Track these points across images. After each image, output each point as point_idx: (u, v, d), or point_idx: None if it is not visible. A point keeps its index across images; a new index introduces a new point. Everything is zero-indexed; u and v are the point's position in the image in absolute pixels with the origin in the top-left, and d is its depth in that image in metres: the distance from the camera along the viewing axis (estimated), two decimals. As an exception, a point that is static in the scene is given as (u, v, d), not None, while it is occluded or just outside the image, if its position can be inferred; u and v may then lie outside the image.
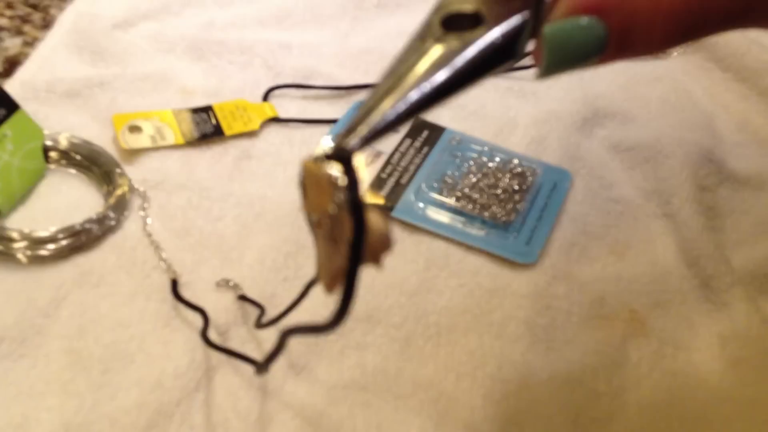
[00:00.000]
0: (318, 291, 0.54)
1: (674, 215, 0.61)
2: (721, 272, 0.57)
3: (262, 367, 0.46)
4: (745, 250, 0.59)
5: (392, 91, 0.30)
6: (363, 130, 0.29)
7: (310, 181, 0.32)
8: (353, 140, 0.29)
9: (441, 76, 0.30)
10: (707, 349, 0.53)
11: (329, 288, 0.34)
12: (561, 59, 0.32)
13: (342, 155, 0.29)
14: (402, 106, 0.30)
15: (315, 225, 0.33)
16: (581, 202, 0.63)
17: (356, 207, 0.29)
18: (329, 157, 0.30)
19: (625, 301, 0.56)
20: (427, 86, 0.30)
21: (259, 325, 0.50)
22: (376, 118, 0.30)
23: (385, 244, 0.31)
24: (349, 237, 0.29)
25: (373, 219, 0.30)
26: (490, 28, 0.31)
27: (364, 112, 0.30)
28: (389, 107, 0.30)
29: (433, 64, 0.31)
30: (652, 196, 0.63)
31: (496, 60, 0.32)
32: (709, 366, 0.52)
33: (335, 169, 0.29)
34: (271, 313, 0.52)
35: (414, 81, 0.30)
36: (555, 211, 0.61)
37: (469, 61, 0.31)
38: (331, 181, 0.29)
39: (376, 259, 0.31)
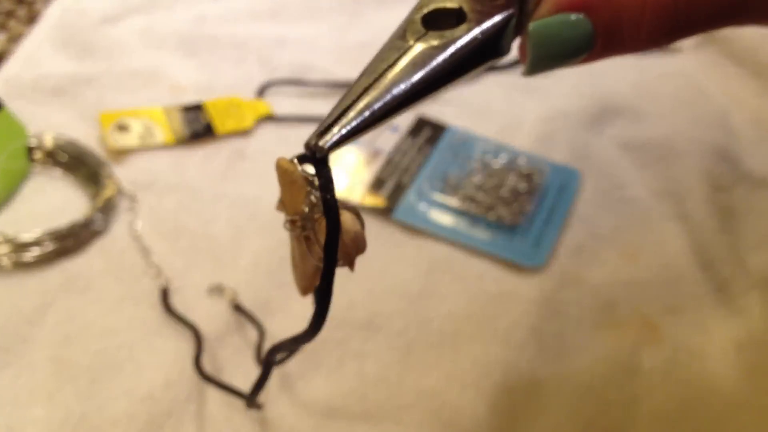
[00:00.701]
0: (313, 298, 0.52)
1: (687, 216, 0.60)
2: (737, 276, 0.55)
3: (251, 399, 0.44)
4: (761, 252, 0.58)
5: (369, 90, 0.29)
6: (338, 130, 0.29)
7: (285, 180, 0.31)
8: (327, 140, 0.28)
9: (419, 75, 0.30)
10: (722, 355, 0.52)
11: (304, 292, 0.35)
12: (547, 56, 0.32)
13: (315, 155, 0.29)
14: (379, 106, 0.29)
15: (289, 225, 0.32)
16: (590, 202, 0.61)
17: (330, 207, 0.29)
18: (303, 156, 0.30)
19: (636, 307, 0.54)
20: (405, 86, 0.29)
21: (260, 358, 0.48)
22: (352, 117, 0.29)
23: (358, 245, 0.31)
24: (323, 238, 0.29)
25: (347, 219, 0.30)
26: (472, 26, 0.31)
27: (339, 110, 0.29)
28: (365, 107, 0.29)
29: (413, 63, 0.30)
30: (664, 196, 0.62)
31: (479, 58, 0.32)
32: (724, 373, 0.51)
33: (309, 169, 0.29)
34: (268, 326, 0.51)
35: (392, 80, 0.29)
36: (563, 212, 0.60)
37: (450, 60, 0.30)
38: (306, 181, 0.30)
39: (350, 261, 0.31)
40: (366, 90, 0.29)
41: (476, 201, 0.59)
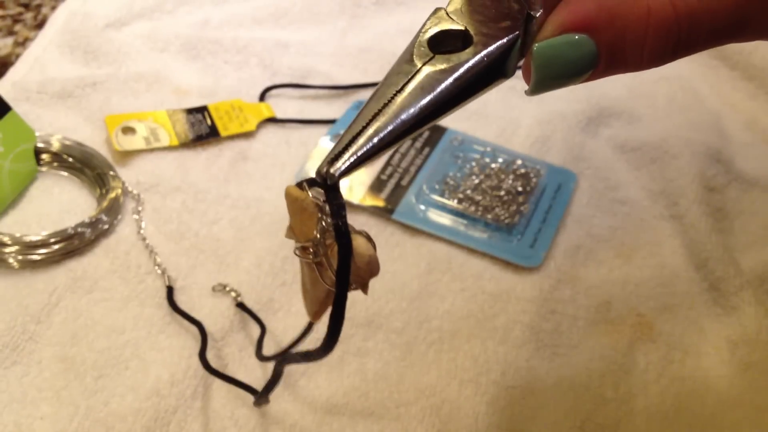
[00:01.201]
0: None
1: (682, 217, 0.60)
2: (730, 275, 0.56)
3: (261, 397, 0.45)
4: (754, 252, 0.58)
5: (378, 115, 0.29)
6: (348, 156, 0.29)
7: (294, 207, 0.32)
8: (338, 167, 0.29)
9: (427, 99, 0.30)
10: (716, 353, 0.52)
11: (315, 317, 0.35)
12: (551, 76, 0.32)
13: (326, 182, 0.29)
14: (388, 132, 0.29)
15: (300, 252, 0.32)
16: (586, 203, 0.62)
17: (342, 234, 0.29)
18: (314, 183, 0.30)
19: (632, 305, 0.55)
20: (413, 110, 0.29)
21: (261, 357, 0.49)
22: (362, 144, 0.29)
23: (372, 269, 0.31)
24: (335, 263, 0.29)
25: (361, 244, 0.30)
26: (478, 48, 0.31)
27: (349, 137, 0.29)
28: (374, 133, 0.29)
29: (420, 87, 0.30)
30: (659, 197, 0.63)
31: (485, 80, 0.32)
32: (719, 371, 0.51)
33: (319, 196, 0.30)
34: (270, 324, 0.51)
35: (400, 105, 0.30)
36: (560, 213, 0.60)
37: (457, 83, 0.30)
38: (316, 208, 0.30)
39: (363, 285, 0.31)
40: (375, 116, 0.29)
41: (474, 202, 0.60)
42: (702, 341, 0.53)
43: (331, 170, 0.28)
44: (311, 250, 0.31)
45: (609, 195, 0.63)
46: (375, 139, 0.29)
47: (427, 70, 0.31)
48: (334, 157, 0.29)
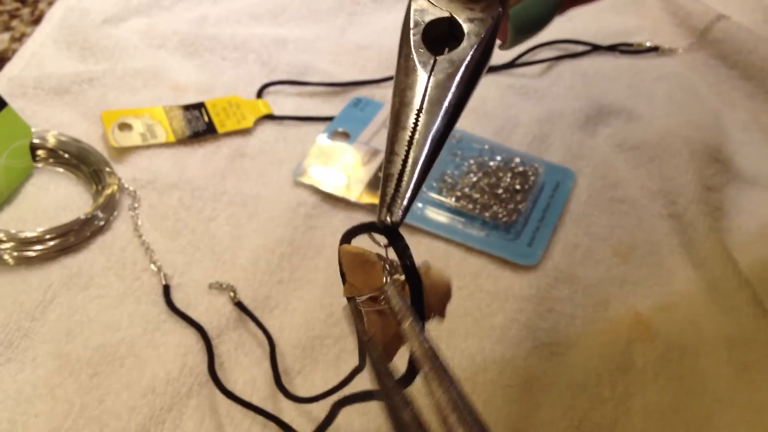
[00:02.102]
0: (312, 295, 0.53)
1: (680, 216, 0.60)
2: (729, 274, 0.55)
3: None
4: (753, 251, 0.58)
5: (412, 146, 0.31)
6: (402, 201, 0.30)
7: (355, 263, 0.32)
8: (398, 213, 0.30)
9: (448, 112, 0.31)
10: (714, 353, 0.52)
11: (391, 357, 0.35)
12: (525, 31, 0.36)
13: (391, 231, 0.30)
14: (427, 161, 0.30)
15: (367, 303, 0.33)
16: (585, 202, 0.62)
17: (413, 272, 0.30)
18: (369, 230, 0.31)
19: (629, 304, 0.55)
20: (440, 128, 0.31)
21: (286, 392, 0.48)
22: (409, 183, 0.30)
23: (448, 295, 0.32)
24: (409, 299, 0.30)
25: (436, 277, 0.31)
26: (472, 41, 0.33)
27: (393, 177, 0.30)
28: (416, 166, 0.30)
29: (438, 101, 0.31)
30: (657, 196, 0.62)
31: (485, 64, 0.34)
32: (716, 370, 0.51)
33: (379, 245, 0.31)
34: (267, 322, 0.51)
35: (427, 128, 0.31)
36: (558, 211, 0.60)
37: (466, 82, 0.32)
38: (378, 257, 0.31)
39: (442, 311, 0.32)
40: (409, 147, 0.30)
41: (472, 200, 0.60)
42: (700, 340, 0.53)
43: (394, 219, 0.30)
44: (382, 298, 0.32)
45: (607, 193, 0.62)
46: (417, 172, 0.30)
47: (437, 78, 0.32)
48: (388, 205, 0.30)
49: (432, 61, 0.32)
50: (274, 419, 0.46)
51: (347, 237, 0.33)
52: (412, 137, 0.31)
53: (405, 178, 0.30)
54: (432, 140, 0.31)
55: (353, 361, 0.50)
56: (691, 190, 0.61)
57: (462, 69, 0.32)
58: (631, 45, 0.78)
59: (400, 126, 0.31)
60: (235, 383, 0.48)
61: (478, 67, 0.33)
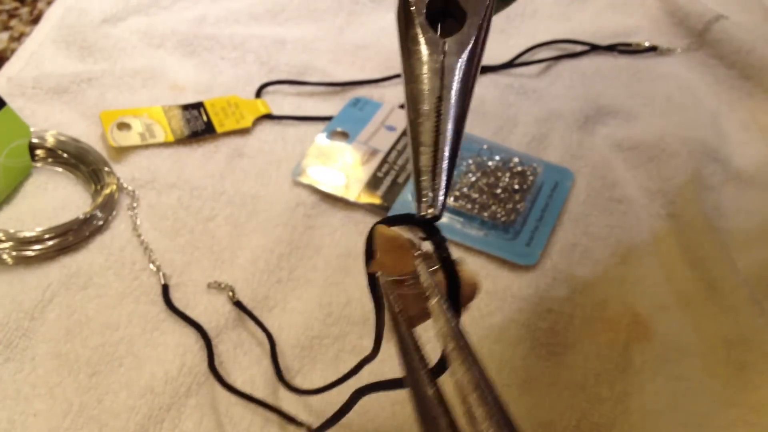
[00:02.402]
0: (311, 294, 0.53)
1: (678, 215, 0.60)
2: (727, 274, 0.55)
3: (322, 428, 0.43)
4: (751, 251, 0.58)
5: (439, 136, 0.30)
6: (441, 193, 0.30)
7: (389, 245, 0.33)
8: (437, 206, 0.30)
9: (466, 95, 0.31)
10: (712, 353, 0.52)
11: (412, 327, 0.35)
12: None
13: (428, 223, 0.30)
14: (454, 148, 0.30)
15: (390, 284, 0.33)
16: (583, 202, 0.62)
17: (449, 264, 0.30)
18: (405, 222, 0.31)
19: (628, 304, 0.55)
20: (461, 113, 0.31)
21: (287, 384, 0.48)
22: (444, 175, 0.30)
23: (473, 296, 0.32)
24: (444, 292, 0.30)
25: (466, 274, 0.31)
26: (474, 20, 0.33)
27: (425, 174, 0.30)
28: (446, 156, 0.30)
29: (460, 86, 0.31)
30: (655, 195, 0.62)
31: (485, 45, 0.34)
32: (714, 370, 0.51)
33: (415, 234, 0.31)
34: (266, 321, 0.51)
35: (452, 116, 0.31)
36: (556, 211, 0.60)
37: (477, 60, 0.32)
38: (411, 244, 0.31)
39: (466, 305, 0.32)
40: (437, 137, 0.30)
41: (471, 200, 0.60)
42: (698, 340, 0.53)
43: (435, 212, 0.30)
44: (409, 282, 0.32)
45: (606, 193, 0.62)
46: (449, 163, 0.30)
47: (449, 62, 0.31)
48: (429, 198, 0.30)
49: (442, 44, 0.32)
50: (277, 411, 0.46)
51: (388, 222, 0.33)
52: (437, 126, 0.30)
53: (437, 170, 0.30)
54: (456, 128, 0.30)
55: (352, 361, 0.50)
56: (690, 189, 0.61)
57: (472, 51, 0.32)
58: (629, 45, 0.78)
59: (423, 115, 0.31)
60: (234, 382, 0.48)
61: (483, 47, 0.33)
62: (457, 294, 0.30)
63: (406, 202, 0.59)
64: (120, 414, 0.46)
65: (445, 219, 0.58)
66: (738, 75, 0.75)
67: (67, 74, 0.66)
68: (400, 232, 0.32)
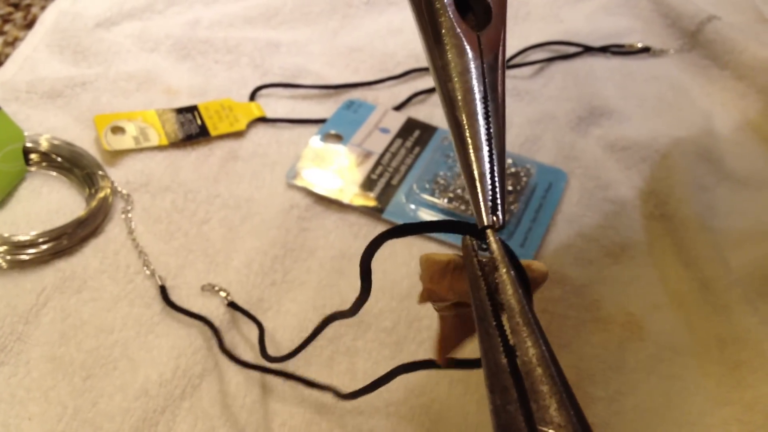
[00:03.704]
0: (305, 296, 0.53)
1: (671, 216, 0.60)
2: (720, 274, 0.55)
3: (350, 396, 0.43)
4: (744, 250, 0.58)
5: (492, 141, 0.29)
6: (501, 201, 0.29)
7: (440, 271, 0.31)
8: (499, 214, 0.29)
9: (503, 99, 0.30)
10: (705, 352, 0.52)
11: (445, 360, 0.35)
12: None
13: (487, 232, 0.29)
14: (503, 149, 0.29)
15: (448, 309, 0.33)
16: (577, 202, 0.62)
17: (520, 269, 0.29)
18: (488, 231, 0.29)
19: (621, 304, 0.55)
20: (503, 119, 0.30)
21: (267, 356, 0.48)
22: (500, 181, 0.29)
23: (545, 276, 0.31)
24: (516, 292, 0.28)
25: (535, 265, 0.30)
26: (499, 12, 0.31)
27: (485, 180, 0.29)
28: (499, 161, 0.29)
29: (496, 86, 0.30)
30: (648, 196, 0.63)
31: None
32: (707, 369, 0.51)
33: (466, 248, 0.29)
34: (256, 317, 0.51)
35: (498, 117, 0.29)
36: (550, 211, 0.60)
37: (503, 60, 0.31)
38: (478, 261, 0.29)
39: (537, 288, 0.31)
40: (490, 141, 0.29)
41: (465, 201, 0.60)
42: (691, 339, 0.53)
43: (500, 220, 0.29)
44: (466, 304, 0.31)
45: (599, 194, 0.63)
46: (502, 167, 0.29)
47: (488, 60, 0.30)
48: (492, 207, 0.29)
49: (477, 38, 0.30)
50: (297, 378, 0.47)
51: (432, 229, 0.32)
52: (488, 128, 0.29)
53: (497, 175, 0.28)
54: (503, 131, 0.29)
55: (346, 362, 0.50)
56: (683, 190, 0.62)
57: (503, 48, 0.30)
58: (622, 46, 0.79)
59: (473, 116, 0.29)
60: (228, 384, 0.48)
61: (505, 41, 0.31)
62: (529, 294, 0.29)
63: (400, 203, 0.59)
64: (114, 417, 0.46)
65: (438, 219, 0.58)
66: (731, 75, 0.75)
67: (61, 78, 0.66)
68: (449, 253, 0.31)
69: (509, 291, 0.26)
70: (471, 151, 0.29)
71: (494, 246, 0.28)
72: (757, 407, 0.49)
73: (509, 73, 0.74)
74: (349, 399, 0.42)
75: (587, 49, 0.78)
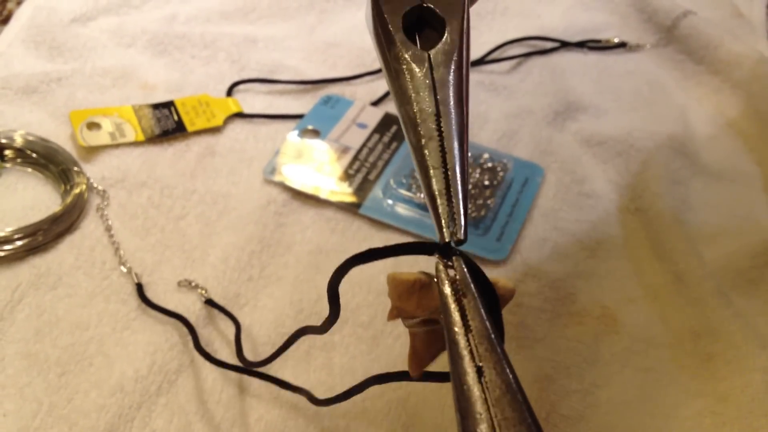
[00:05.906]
0: (282, 292, 0.53)
1: (646, 210, 0.61)
2: (693, 267, 0.56)
3: (323, 403, 0.43)
4: (717, 244, 0.59)
5: (446, 156, 0.29)
6: (460, 216, 0.29)
7: (407, 290, 0.31)
8: (461, 230, 0.29)
9: (463, 107, 0.30)
10: (679, 344, 0.52)
11: (418, 374, 0.35)
12: None
13: (452, 248, 0.29)
14: (465, 165, 0.30)
15: (419, 324, 0.33)
16: (553, 197, 0.62)
17: (486, 284, 0.29)
18: (446, 252, 0.29)
19: (596, 298, 0.55)
20: (463, 126, 0.30)
21: (243, 360, 0.48)
22: (460, 197, 0.29)
23: (512, 294, 0.31)
24: (485, 308, 0.29)
25: (501, 282, 0.31)
26: (453, 26, 0.31)
27: (442, 197, 0.29)
28: (458, 176, 0.29)
29: (455, 99, 0.30)
30: (624, 190, 0.63)
31: (470, 49, 0.33)
32: (681, 362, 0.52)
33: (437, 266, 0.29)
34: (237, 318, 0.51)
35: (454, 133, 0.30)
36: (526, 206, 0.61)
37: (466, 68, 0.31)
38: (431, 278, 0.30)
39: (504, 306, 0.31)
40: (444, 158, 0.29)
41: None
42: (665, 332, 0.53)
43: (459, 236, 0.29)
44: (436, 319, 0.31)
45: (575, 188, 0.63)
46: (460, 181, 0.29)
47: (439, 76, 0.31)
48: (449, 224, 0.29)
49: (426, 57, 0.31)
50: (272, 380, 0.46)
51: (390, 253, 0.31)
52: (442, 146, 0.29)
53: (453, 191, 0.29)
54: (461, 144, 0.29)
55: (323, 357, 0.50)
56: (658, 184, 0.62)
57: (460, 59, 0.31)
58: (599, 41, 0.79)
59: (427, 136, 0.29)
60: (204, 380, 0.48)
61: (468, 51, 0.32)
62: (499, 312, 0.30)
63: (377, 199, 0.60)
64: (90, 413, 0.46)
65: (416, 215, 0.59)
66: (706, 70, 0.76)
67: (37, 74, 0.66)
68: (415, 272, 0.31)
69: (476, 318, 0.27)
70: (426, 170, 0.29)
71: (460, 274, 0.29)
72: (729, 399, 0.49)
73: (487, 68, 0.74)
74: (323, 405, 0.42)
75: (564, 45, 0.78)
